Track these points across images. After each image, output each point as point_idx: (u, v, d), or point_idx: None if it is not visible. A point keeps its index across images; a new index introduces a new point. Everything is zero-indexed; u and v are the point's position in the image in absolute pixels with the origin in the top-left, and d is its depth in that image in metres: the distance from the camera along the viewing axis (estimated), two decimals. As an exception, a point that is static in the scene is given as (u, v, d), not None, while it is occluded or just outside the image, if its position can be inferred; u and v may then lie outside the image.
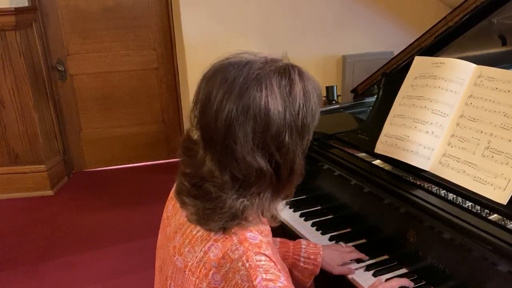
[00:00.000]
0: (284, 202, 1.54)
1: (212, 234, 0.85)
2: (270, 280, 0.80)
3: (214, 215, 0.83)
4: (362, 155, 1.44)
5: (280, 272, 0.84)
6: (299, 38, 3.38)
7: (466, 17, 1.44)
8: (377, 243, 1.29)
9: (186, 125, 3.65)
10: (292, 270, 1.21)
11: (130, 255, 2.57)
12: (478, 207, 1.11)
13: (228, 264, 0.81)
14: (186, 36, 3.19)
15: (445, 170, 1.20)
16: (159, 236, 1.05)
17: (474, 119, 1.18)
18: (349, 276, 1.21)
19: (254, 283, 0.79)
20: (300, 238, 1.39)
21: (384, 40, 3.50)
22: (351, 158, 1.43)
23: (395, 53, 1.72)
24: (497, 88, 1.17)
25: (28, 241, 2.77)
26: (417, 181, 1.25)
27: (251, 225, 0.87)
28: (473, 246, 1.01)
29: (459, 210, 1.10)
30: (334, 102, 2.03)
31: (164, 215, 1.04)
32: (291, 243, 1.23)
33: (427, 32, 1.56)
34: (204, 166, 0.83)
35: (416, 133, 1.26)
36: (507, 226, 1.02)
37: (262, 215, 0.88)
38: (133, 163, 3.81)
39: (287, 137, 0.81)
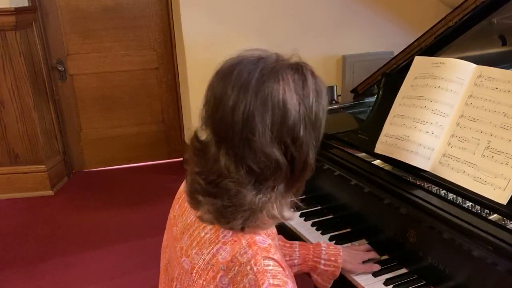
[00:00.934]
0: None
1: (221, 236, 0.85)
2: (278, 285, 0.80)
3: (236, 213, 0.82)
4: (362, 155, 1.44)
5: (288, 278, 0.83)
6: (299, 38, 3.37)
7: (466, 17, 1.44)
8: (377, 243, 1.29)
9: (186, 125, 3.66)
10: (312, 273, 1.20)
11: (130, 255, 2.58)
12: (478, 207, 1.11)
13: (236, 268, 0.81)
14: (186, 36, 3.19)
15: (445, 170, 1.20)
16: (165, 236, 1.05)
17: (474, 119, 1.18)
18: (348, 275, 1.21)
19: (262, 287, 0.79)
20: (300, 238, 1.39)
21: (384, 40, 3.50)
22: (351, 158, 1.43)
23: (395, 53, 1.72)
24: (497, 88, 1.17)
25: (28, 241, 2.77)
26: (417, 181, 1.25)
27: (264, 227, 0.87)
28: (473, 246, 1.01)
29: (459, 210, 1.10)
30: (334, 102, 2.03)
31: (171, 214, 1.03)
32: (310, 245, 1.22)
33: (427, 32, 1.56)
34: (217, 162, 0.83)
35: (416, 133, 1.26)
36: (507, 226, 1.02)
37: (275, 214, 0.87)
38: (133, 163, 3.81)
39: (302, 130, 0.82)
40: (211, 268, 0.83)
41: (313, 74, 0.86)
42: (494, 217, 1.07)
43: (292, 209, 0.93)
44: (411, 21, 3.46)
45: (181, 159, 3.71)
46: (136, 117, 3.72)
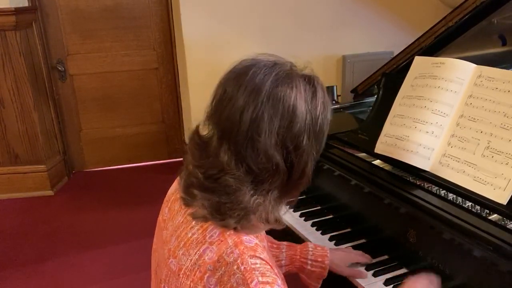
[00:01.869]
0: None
1: (208, 237, 0.85)
2: (267, 283, 0.80)
3: (233, 210, 0.83)
4: (362, 155, 1.44)
5: (277, 276, 0.83)
6: (299, 38, 3.37)
7: (466, 17, 1.44)
8: (377, 243, 1.29)
9: (186, 125, 3.65)
10: (300, 273, 1.21)
11: (130, 255, 2.57)
12: (478, 207, 1.11)
13: (223, 268, 0.81)
14: (186, 36, 3.19)
15: (445, 170, 1.20)
16: (154, 240, 1.04)
17: (474, 119, 1.18)
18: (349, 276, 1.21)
19: (250, 286, 0.78)
20: (300, 238, 1.39)
21: (384, 40, 3.50)
22: (351, 158, 1.43)
23: (395, 53, 1.72)
24: (497, 88, 1.17)
25: (28, 241, 2.77)
26: (417, 181, 1.25)
27: (257, 230, 0.87)
28: (473, 246, 1.01)
29: (459, 210, 1.10)
30: (334, 102, 2.03)
31: (160, 218, 1.03)
32: (298, 246, 1.22)
33: (427, 32, 1.56)
34: (218, 157, 0.83)
35: (416, 133, 1.26)
36: (507, 226, 1.02)
37: (268, 219, 0.87)
38: (133, 163, 3.81)
39: (305, 139, 0.83)
40: (198, 268, 0.83)
41: (323, 88, 0.88)
42: (494, 217, 1.07)
43: (285, 214, 0.93)
44: (411, 21, 3.46)
45: (181, 159, 3.70)
46: (136, 117, 3.72)
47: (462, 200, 1.15)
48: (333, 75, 3.57)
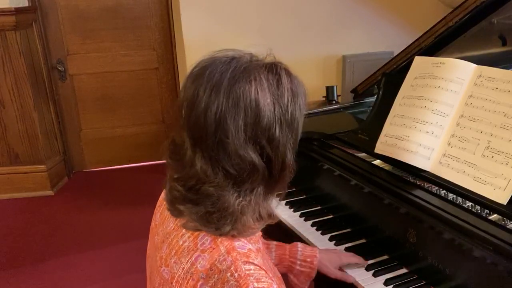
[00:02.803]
0: (280, 200, 1.55)
1: (199, 244, 0.83)
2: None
3: (224, 218, 0.81)
4: (362, 155, 1.44)
5: (272, 280, 0.82)
6: (299, 38, 3.37)
7: (466, 17, 1.44)
8: (377, 243, 1.29)
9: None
10: (288, 274, 1.20)
11: (130, 255, 2.57)
12: (478, 207, 1.11)
13: (216, 275, 0.79)
14: (186, 36, 3.19)
15: (445, 170, 1.20)
16: (148, 245, 1.03)
17: (474, 119, 1.18)
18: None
19: None
20: (300, 238, 1.39)
21: (384, 40, 3.50)
22: (351, 158, 1.43)
23: (395, 53, 1.72)
24: (497, 88, 1.17)
25: (28, 241, 2.77)
26: (417, 181, 1.25)
27: (253, 231, 0.86)
28: (473, 246, 1.01)
29: (459, 210, 1.10)
30: (334, 102, 2.03)
31: (152, 223, 1.02)
32: (287, 246, 1.22)
33: (427, 32, 1.55)
34: (194, 166, 0.81)
35: (416, 133, 1.26)
36: (507, 226, 1.02)
37: (260, 216, 0.86)
38: (133, 163, 3.81)
39: (277, 130, 0.80)
40: (190, 277, 0.82)
41: (288, 73, 0.84)
42: (494, 217, 1.07)
43: (277, 208, 0.92)
44: (411, 21, 3.46)
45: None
46: (136, 117, 3.72)
47: (462, 200, 1.15)
48: (333, 75, 3.57)
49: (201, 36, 3.18)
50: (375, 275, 1.19)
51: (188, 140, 0.82)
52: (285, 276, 1.20)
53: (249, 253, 0.82)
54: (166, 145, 0.89)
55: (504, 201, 1.07)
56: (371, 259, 1.25)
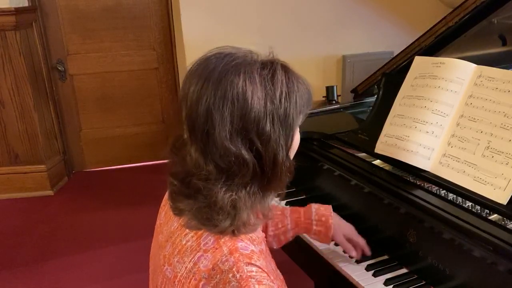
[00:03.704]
0: (280, 200, 1.55)
1: (202, 244, 0.83)
2: None
3: (217, 214, 0.81)
4: (362, 155, 1.44)
5: (274, 283, 0.82)
6: (299, 38, 3.37)
7: (466, 17, 1.44)
8: (377, 243, 1.29)
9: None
10: (308, 234, 1.23)
11: (130, 255, 2.57)
12: (478, 207, 1.11)
13: (218, 276, 0.79)
14: (186, 36, 3.19)
15: (445, 170, 1.20)
16: (152, 243, 1.04)
17: (474, 119, 1.18)
18: (348, 275, 1.21)
19: None
20: (300, 238, 1.39)
21: (384, 40, 3.50)
22: (351, 158, 1.42)
23: (395, 53, 1.72)
24: (497, 88, 1.17)
25: (28, 241, 2.77)
26: (417, 181, 1.25)
27: (254, 228, 0.86)
28: (473, 246, 1.01)
29: (459, 210, 1.10)
30: (334, 102, 2.03)
31: (157, 222, 1.02)
32: (301, 209, 1.24)
33: (427, 32, 1.55)
34: (190, 157, 0.83)
35: (416, 133, 1.26)
36: (507, 226, 1.02)
37: (258, 214, 0.87)
38: (133, 163, 3.81)
39: (268, 125, 0.80)
40: (193, 276, 0.82)
41: (286, 70, 0.84)
42: (494, 217, 1.07)
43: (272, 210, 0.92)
44: (411, 21, 3.46)
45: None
46: (136, 117, 3.72)
47: (462, 200, 1.15)
48: (333, 75, 3.57)
49: (201, 36, 3.18)
50: (375, 275, 1.19)
51: (186, 133, 0.83)
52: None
53: (251, 255, 0.82)
54: (170, 141, 0.91)
55: (504, 201, 1.07)
56: (371, 259, 1.25)
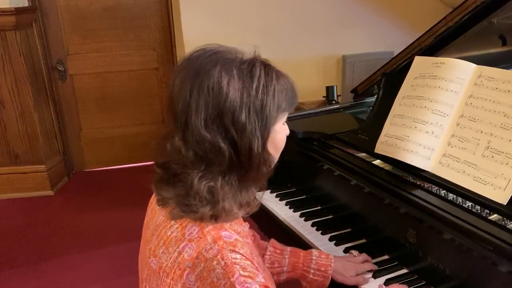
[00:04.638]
0: (281, 200, 1.55)
1: (187, 234, 0.85)
2: (249, 276, 0.80)
3: (193, 199, 0.84)
4: (362, 155, 1.44)
5: (258, 270, 0.83)
6: (299, 38, 3.37)
7: (466, 17, 1.44)
8: (377, 243, 1.29)
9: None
10: (301, 281, 1.18)
11: (130, 255, 2.56)
12: (478, 207, 1.11)
13: (202, 264, 0.81)
14: (186, 36, 3.19)
15: (445, 170, 1.20)
16: (141, 242, 1.05)
17: (474, 119, 1.18)
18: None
19: (232, 279, 0.79)
20: (301, 238, 1.39)
21: (384, 40, 3.50)
22: (351, 158, 1.42)
23: (395, 53, 1.72)
24: (497, 88, 1.17)
25: (28, 241, 2.77)
26: (417, 181, 1.25)
27: (235, 215, 0.87)
28: (473, 246, 1.01)
29: (459, 210, 1.10)
30: (334, 102, 2.03)
31: (145, 220, 1.04)
32: (301, 253, 1.19)
33: (427, 32, 1.55)
34: (172, 146, 0.86)
35: (416, 133, 1.26)
36: (507, 226, 1.02)
37: (240, 204, 0.88)
38: (133, 163, 3.81)
39: (243, 115, 0.83)
40: (177, 266, 0.83)
41: (266, 65, 0.87)
42: (494, 217, 1.07)
43: (256, 200, 0.93)
44: (411, 21, 3.46)
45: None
46: (136, 117, 3.72)
47: (462, 200, 1.15)
48: (333, 75, 3.57)
49: (201, 36, 3.17)
50: (375, 275, 1.19)
51: (171, 123, 0.88)
52: (297, 282, 1.19)
53: (235, 243, 0.83)
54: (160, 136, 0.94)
55: (504, 201, 1.07)
56: (372, 259, 1.25)
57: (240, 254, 0.82)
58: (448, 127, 1.23)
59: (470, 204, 1.13)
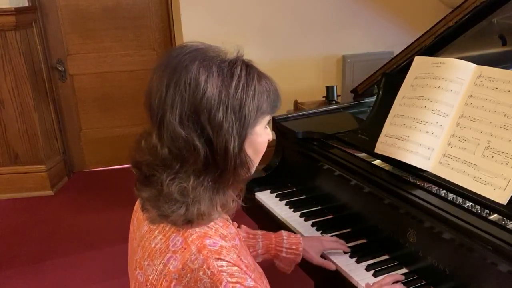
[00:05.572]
0: (281, 201, 1.55)
1: (171, 245, 0.83)
2: (236, 283, 0.80)
3: (164, 202, 0.82)
4: (362, 155, 1.44)
5: (246, 274, 0.82)
6: (299, 38, 3.38)
7: (466, 17, 1.44)
8: (377, 243, 1.30)
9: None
10: (275, 260, 1.26)
11: (130, 255, 2.57)
12: (478, 207, 1.11)
13: (188, 275, 0.80)
14: (186, 36, 3.19)
15: (445, 170, 1.20)
16: (128, 251, 1.04)
17: (474, 119, 1.18)
18: (349, 275, 1.21)
19: (220, 287, 0.78)
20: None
21: (384, 40, 3.50)
22: (351, 158, 1.42)
23: (395, 53, 1.72)
24: (497, 88, 1.17)
25: (28, 241, 2.77)
26: (417, 181, 1.25)
27: (211, 218, 0.85)
28: (473, 246, 1.01)
29: (459, 210, 1.10)
30: (334, 102, 2.03)
31: (131, 228, 1.03)
32: (273, 235, 1.27)
33: (427, 32, 1.55)
34: (148, 144, 0.86)
35: (416, 133, 1.26)
36: (507, 226, 1.02)
37: (215, 207, 0.86)
38: (133, 163, 3.81)
39: (220, 113, 0.81)
40: (164, 278, 0.82)
41: (248, 66, 0.86)
42: (494, 217, 1.07)
43: (234, 203, 0.91)
44: (411, 21, 3.46)
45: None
46: (136, 117, 3.72)
47: (462, 200, 1.15)
48: (333, 75, 3.57)
49: (201, 36, 3.15)
50: (375, 275, 1.19)
51: (149, 121, 0.86)
52: (271, 262, 1.27)
53: (220, 250, 0.82)
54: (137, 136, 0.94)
55: (504, 201, 1.07)
56: (371, 259, 1.25)
57: (226, 261, 0.81)
58: (448, 127, 1.23)
59: (470, 204, 1.13)
